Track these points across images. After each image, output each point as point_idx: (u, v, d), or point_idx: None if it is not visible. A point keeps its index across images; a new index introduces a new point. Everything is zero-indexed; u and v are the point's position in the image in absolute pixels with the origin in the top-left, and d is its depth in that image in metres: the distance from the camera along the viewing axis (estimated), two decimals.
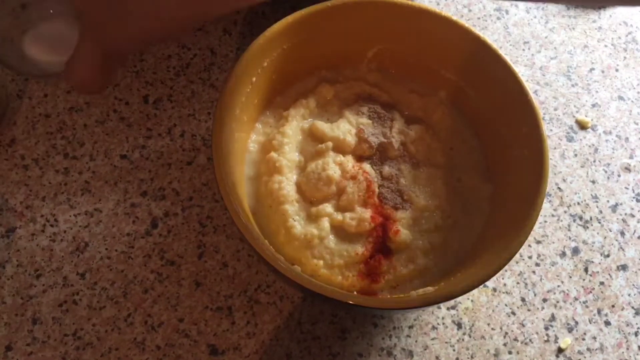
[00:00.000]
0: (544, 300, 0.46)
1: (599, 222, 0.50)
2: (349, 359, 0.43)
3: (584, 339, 0.45)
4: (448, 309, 0.45)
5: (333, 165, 0.42)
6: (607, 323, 0.46)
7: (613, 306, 0.46)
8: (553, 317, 0.45)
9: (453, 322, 0.45)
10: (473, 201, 0.43)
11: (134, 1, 0.28)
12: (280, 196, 0.40)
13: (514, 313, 0.45)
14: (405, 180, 0.43)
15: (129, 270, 0.44)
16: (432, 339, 0.44)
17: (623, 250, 0.49)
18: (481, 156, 0.45)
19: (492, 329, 0.45)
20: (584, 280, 0.47)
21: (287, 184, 0.41)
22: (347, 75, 0.48)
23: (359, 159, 0.43)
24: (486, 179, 0.44)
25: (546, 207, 0.50)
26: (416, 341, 0.44)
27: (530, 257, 0.48)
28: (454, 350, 0.43)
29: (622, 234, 0.49)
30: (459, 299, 0.45)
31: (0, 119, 0.48)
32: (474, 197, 0.43)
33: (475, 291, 0.45)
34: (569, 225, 0.49)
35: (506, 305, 0.45)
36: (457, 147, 0.45)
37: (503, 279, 0.47)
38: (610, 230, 0.49)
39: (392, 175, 0.43)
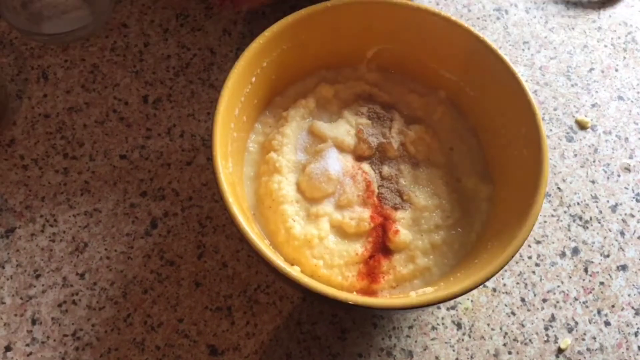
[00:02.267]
0: (544, 300, 0.46)
1: (599, 222, 0.50)
2: (349, 359, 0.43)
3: (583, 339, 0.45)
4: (448, 309, 0.45)
5: (332, 165, 0.42)
6: (607, 323, 0.46)
7: (613, 306, 0.46)
8: (553, 318, 0.45)
9: (453, 322, 0.45)
10: (473, 201, 0.43)
11: None
12: (279, 196, 0.40)
13: (513, 313, 0.45)
14: (405, 181, 0.43)
15: (129, 270, 0.44)
16: (432, 339, 0.44)
17: (623, 250, 0.49)
18: (481, 156, 0.45)
19: (492, 329, 0.45)
20: (583, 280, 0.47)
21: (287, 184, 0.41)
22: (346, 75, 0.48)
23: (359, 159, 0.43)
24: (486, 179, 0.44)
25: (546, 207, 0.50)
26: (416, 341, 0.44)
27: (530, 257, 0.48)
28: (453, 350, 0.43)
29: (622, 234, 0.49)
30: (459, 299, 0.45)
31: (0, 119, 0.48)
32: (474, 197, 0.43)
33: (475, 291, 0.45)
34: (568, 226, 0.49)
35: (506, 305, 0.45)
36: (457, 147, 0.45)
37: (503, 279, 0.47)
38: (610, 231, 0.49)
39: (392, 175, 0.43)
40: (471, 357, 0.43)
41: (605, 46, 0.59)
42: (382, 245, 0.41)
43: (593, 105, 0.56)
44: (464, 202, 0.43)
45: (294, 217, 0.40)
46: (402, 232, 0.40)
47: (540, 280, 0.47)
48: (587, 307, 0.46)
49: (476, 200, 0.43)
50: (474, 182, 0.44)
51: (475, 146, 0.46)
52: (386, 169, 0.43)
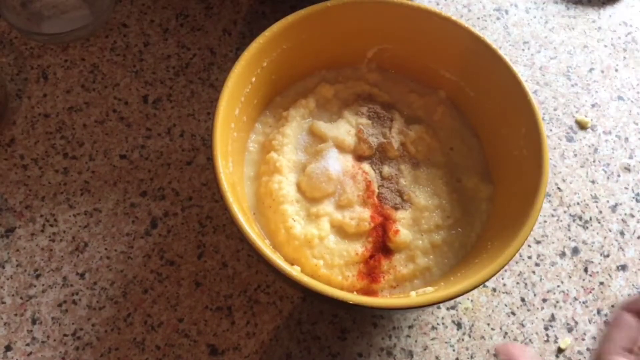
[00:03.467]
0: (544, 300, 0.46)
1: (599, 222, 0.50)
2: (349, 359, 0.43)
3: (583, 339, 0.45)
4: (448, 309, 0.45)
5: (332, 165, 0.42)
6: (607, 323, 0.46)
7: (613, 306, 0.46)
8: (553, 317, 0.45)
9: (453, 322, 0.45)
10: (473, 201, 0.43)
11: None
12: (280, 196, 0.40)
13: (513, 313, 0.45)
14: (405, 181, 0.43)
15: (129, 270, 0.44)
16: (432, 339, 0.44)
17: (623, 250, 0.49)
18: (481, 156, 0.45)
19: (492, 329, 0.45)
20: (583, 280, 0.47)
21: (287, 184, 0.41)
22: (347, 75, 0.48)
23: (359, 159, 0.43)
24: (486, 179, 0.44)
25: (546, 207, 0.50)
26: (416, 341, 0.44)
27: (530, 257, 0.48)
28: (453, 350, 0.43)
29: (622, 234, 0.49)
30: (459, 299, 0.45)
31: (0, 118, 0.48)
32: (474, 197, 0.43)
33: (475, 291, 0.45)
34: (568, 225, 0.49)
35: (506, 305, 0.45)
36: (457, 147, 0.45)
37: (503, 279, 0.47)
38: (610, 231, 0.49)
39: (392, 175, 0.43)
40: (471, 356, 0.43)
41: (605, 46, 0.59)
42: (382, 245, 0.41)
43: (593, 105, 0.56)
44: (464, 202, 0.43)
45: (294, 217, 0.40)
46: (403, 232, 0.40)
47: (540, 280, 0.47)
48: (587, 307, 0.46)
49: (476, 200, 0.43)
50: (474, 182, 0.44)
51: (475, 146, 0.46)
52: (386, 169, 0.43)
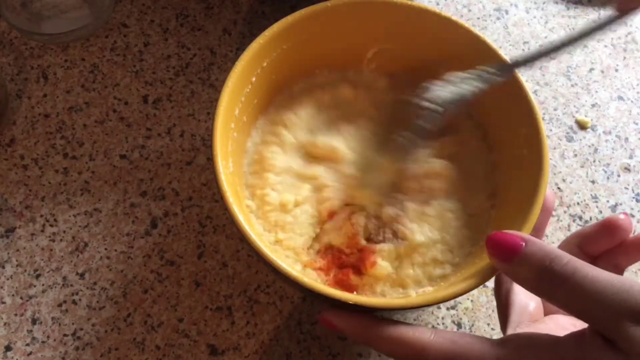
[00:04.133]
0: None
1: None
2: (349, 359, 0.43)
3: None
4: (448, 309, 0.45)
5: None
6: None
7: None
8: None
9: (453, 322, 0.45)
10: (478, 219, 0.41)
11: None
12: (268, 165, 0.40)
13: None
14: (409, 220, 0.39)
15: (129, 270, 0.44)
16: None
17: None
18: (487, 165, 0.43)
19: (492, 329, 0.45)
20: None
21: (281, 155, 0.41)
22: (352, 79, 0.47)
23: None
24: (491, 196, 0.41)
25: None
26: None
27: None
28: None
29: None
30: (459, 299, 0.45)
31: (0, 118, 0.48)
32: (479, 215, 0.41)
33: (475, 291, 0.45)
34: (568, 225, 0.49)
35: None
36: (466, 161, 0.43)
37: None
38: None
39: (393, 218, 0.39)
40: None
41: (605, 46, 0.59)
42: (352, 265, 0.38)
43: (593, 105, 0.56)
44: (469, 225, 0.40)
45: (273, 187, 0.40)
46: (380, 264, 0.37)
47: None
48: None
49: (481, 218, 0.40)
50: (479, 201, 0.41)
51: (479, 155, 0.44)
52: (388, 211, 0.39)
